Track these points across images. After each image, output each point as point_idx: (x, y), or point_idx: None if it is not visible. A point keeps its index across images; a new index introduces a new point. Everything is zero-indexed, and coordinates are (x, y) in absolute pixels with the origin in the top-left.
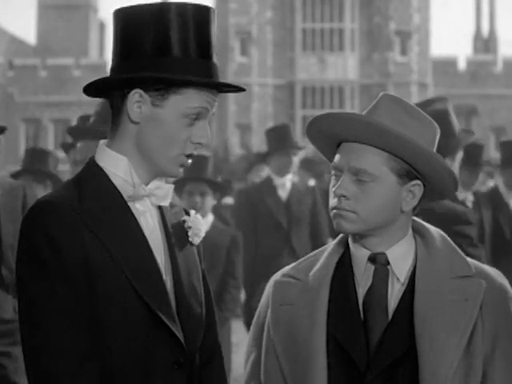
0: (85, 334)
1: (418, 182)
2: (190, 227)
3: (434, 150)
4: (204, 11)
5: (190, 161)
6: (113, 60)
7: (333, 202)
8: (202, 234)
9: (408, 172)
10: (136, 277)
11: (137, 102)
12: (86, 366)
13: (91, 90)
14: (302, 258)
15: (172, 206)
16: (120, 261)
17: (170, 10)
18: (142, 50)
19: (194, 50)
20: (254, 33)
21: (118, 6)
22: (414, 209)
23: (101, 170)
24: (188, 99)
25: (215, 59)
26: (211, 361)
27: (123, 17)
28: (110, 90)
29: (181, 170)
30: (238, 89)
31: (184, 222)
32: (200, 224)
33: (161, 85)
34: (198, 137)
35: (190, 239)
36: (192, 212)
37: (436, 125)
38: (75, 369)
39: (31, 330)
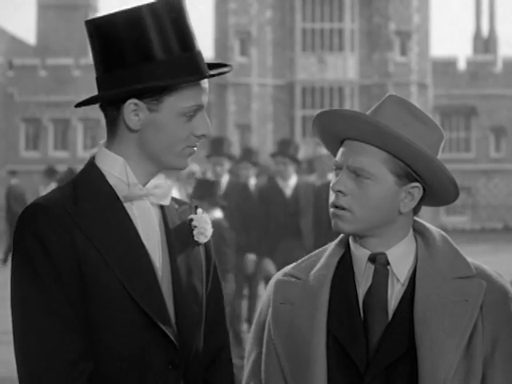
0: (77, 335)
1: (418, 184)
2: (195, 226)
3: (438, 153)
4: (176, 3)
5: (195, 148)
6: (97, 71)
7: (331, 198)
8: (209, 233)
9: (407, 174)
10: (128, 278)
11: (133, 110)
12: (78, 368)
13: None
14: (304, 258)
15: (181, 203)
16: (112, 262)
17: (143, 14)
18: (126, 60)
19: (176, 47)
20: (254, 33)
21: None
22: (416, 210)
23: (98, 170)
24: (182, 98)
25: (198, 46)
26: (217, 360)
27: (97, 28)
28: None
29: (188, 160)
30: (225, 69)
31: (191, 220)
32: (206, 223)
33: (153, 92)
34: (199, 129)
35: (196, 238)
36: (199, 210)
37: (441, 129)
38: (67, 370)
39: (23, 332)
